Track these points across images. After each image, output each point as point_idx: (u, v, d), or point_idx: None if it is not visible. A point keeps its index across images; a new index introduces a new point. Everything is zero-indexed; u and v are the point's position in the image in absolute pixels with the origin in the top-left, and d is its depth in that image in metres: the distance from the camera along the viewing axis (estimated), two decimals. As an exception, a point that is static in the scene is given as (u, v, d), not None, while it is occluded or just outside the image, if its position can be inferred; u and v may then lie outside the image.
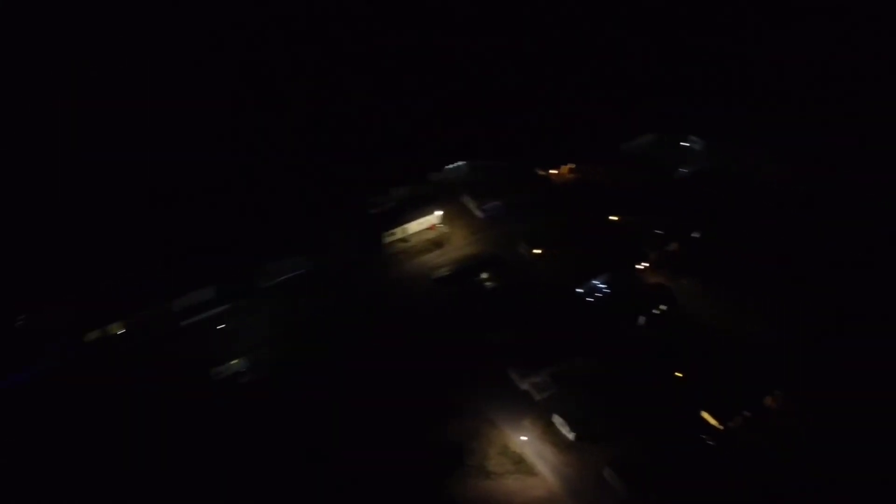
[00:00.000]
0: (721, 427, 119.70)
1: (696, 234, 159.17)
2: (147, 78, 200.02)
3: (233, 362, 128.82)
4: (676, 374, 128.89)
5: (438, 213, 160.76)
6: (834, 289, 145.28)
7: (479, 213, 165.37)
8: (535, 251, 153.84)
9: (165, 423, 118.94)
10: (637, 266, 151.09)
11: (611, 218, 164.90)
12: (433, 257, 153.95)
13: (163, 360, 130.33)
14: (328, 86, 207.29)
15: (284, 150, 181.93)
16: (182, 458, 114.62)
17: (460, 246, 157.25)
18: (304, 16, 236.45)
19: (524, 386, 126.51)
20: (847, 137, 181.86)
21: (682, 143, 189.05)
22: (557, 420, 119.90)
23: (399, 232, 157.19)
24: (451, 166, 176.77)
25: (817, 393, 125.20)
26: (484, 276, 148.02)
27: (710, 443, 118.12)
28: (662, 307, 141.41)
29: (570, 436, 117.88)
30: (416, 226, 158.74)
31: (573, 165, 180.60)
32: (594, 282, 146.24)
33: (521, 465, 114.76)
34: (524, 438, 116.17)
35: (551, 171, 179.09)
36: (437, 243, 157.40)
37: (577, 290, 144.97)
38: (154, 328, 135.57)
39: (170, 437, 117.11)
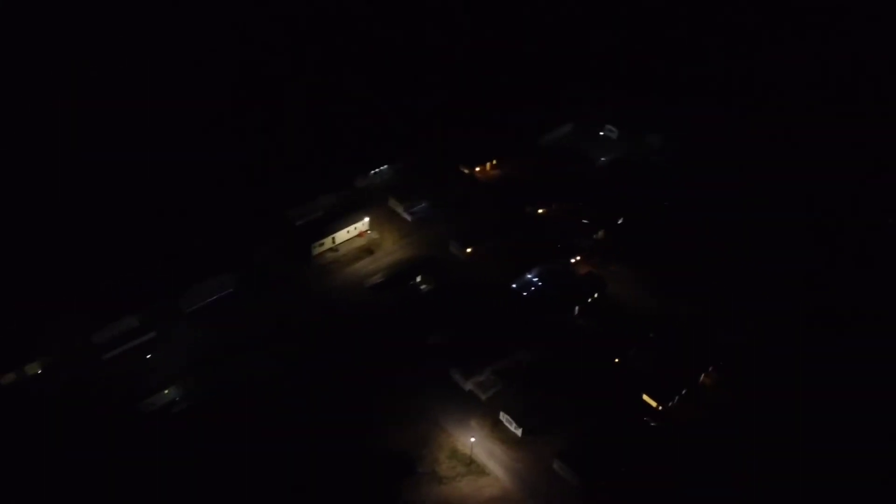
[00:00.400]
0: (661, 408, 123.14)
1: (620, 221, 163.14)
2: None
3: (164, 392, 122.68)
4: (615, 360, 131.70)
5: (366, 219, 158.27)
6: (756, 265, 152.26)
7: (407, 216, 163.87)
8: (467, 250, 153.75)
9: (97, 466, 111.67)
10: (570, 259, 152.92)
11: (538, 211, 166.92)
12: (365, 265, 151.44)
13: (88, 397, 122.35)
14: (251, 92, 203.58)
15: (202, 160, 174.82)
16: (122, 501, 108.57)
17: (392, 251, 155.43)
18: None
19: (468, 386, 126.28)
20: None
21: (599, 133, 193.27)
22: (504, 417, 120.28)
23: (328, 242, 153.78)
24: (374, 171, 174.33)
25: (748, 367, 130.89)
26: (418, 279, 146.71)
27: (653, 424, 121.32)
28: (595, 295, 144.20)
29: (518, 432, 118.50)
30: (344, 234, 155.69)
31: (496, 161, 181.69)
32: (528, 276, 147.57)
33: (472, 466, 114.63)
34: (473, 440, 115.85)
35: (475, 169, 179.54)
36: (367, 250, 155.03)
37: (512, 285, 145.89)
38: (74, 364, 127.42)
39: (105, 480, 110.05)
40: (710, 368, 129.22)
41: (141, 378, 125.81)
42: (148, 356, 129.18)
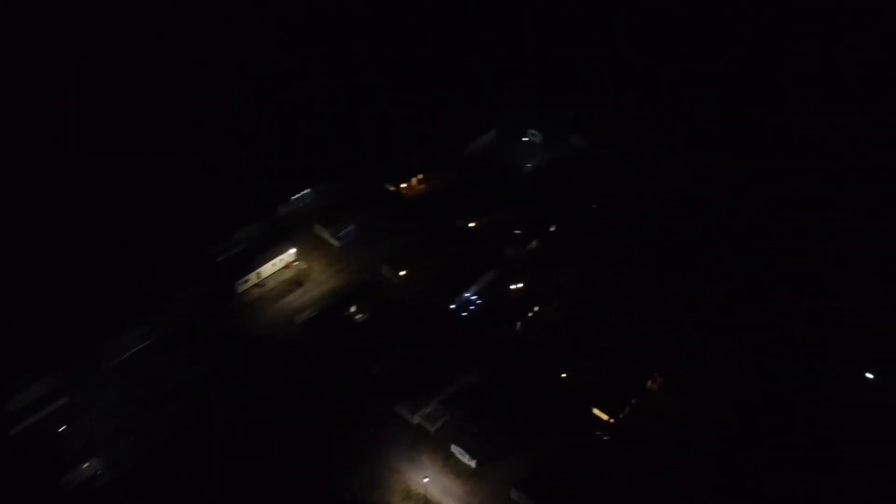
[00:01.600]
0: (612, 420, 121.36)
1: (552, 229, 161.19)
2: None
3: (84, 465, 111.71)
4: (562, 374, 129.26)
5: (292, 249, 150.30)
6: (690, 267, 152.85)
7: (334, 242, 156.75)
8: (400, 273, 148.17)
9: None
10: (506, 272, 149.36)
11: (469, 224, 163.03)
12: (295, 298, 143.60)
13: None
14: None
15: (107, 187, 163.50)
16: None
17: (322, 280, 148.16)
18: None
19: (416, 420, 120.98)
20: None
21: (522, 139, 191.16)
22: (456, 450, 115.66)
23: (253, 277, 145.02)
24: (296, 196, 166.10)
25: (692, 369, 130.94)
26: (353, 309, 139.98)
27: (606, 438, 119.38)
28: (535, 308, 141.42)
29: (472, 463, 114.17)
30: (270, 267, 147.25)
31: (421, 176, 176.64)
32: (465, 295, 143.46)
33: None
34: (426, 479, 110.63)
35: (401, 185, 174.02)
36: (296, 282, 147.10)
37: (451, 306, 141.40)
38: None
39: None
40: (655, 373, 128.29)
41: (56, 451, 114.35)
42: (61, 428, 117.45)
